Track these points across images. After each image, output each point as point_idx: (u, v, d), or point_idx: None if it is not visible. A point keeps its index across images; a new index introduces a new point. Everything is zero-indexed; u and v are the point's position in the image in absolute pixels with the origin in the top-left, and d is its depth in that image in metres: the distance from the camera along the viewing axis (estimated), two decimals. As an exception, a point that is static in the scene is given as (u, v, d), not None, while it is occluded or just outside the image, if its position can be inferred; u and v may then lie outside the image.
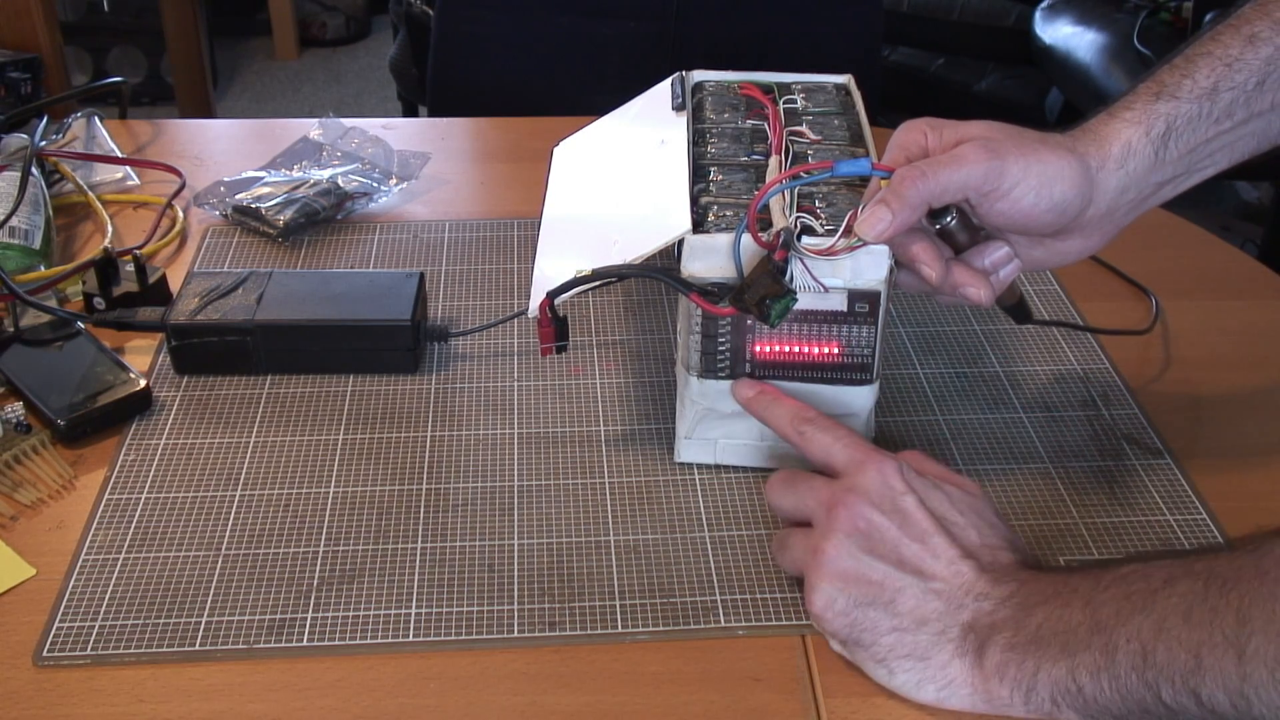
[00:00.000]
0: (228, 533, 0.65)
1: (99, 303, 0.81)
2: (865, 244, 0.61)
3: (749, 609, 0.61)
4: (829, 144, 0.71)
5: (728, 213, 0.65)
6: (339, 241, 0.92)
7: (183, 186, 0.98)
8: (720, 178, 0.68)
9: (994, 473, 0.71)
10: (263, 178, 0.98)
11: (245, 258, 0.90)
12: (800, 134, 0.72)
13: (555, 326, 0.69)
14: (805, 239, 0.62)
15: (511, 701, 0.57)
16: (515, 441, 0.73)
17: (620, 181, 0.75)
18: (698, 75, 0.79)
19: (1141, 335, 0.83)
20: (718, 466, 0.70)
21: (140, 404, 0.73)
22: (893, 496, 0.57)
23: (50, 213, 0.90)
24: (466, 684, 0.57)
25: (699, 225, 0.64)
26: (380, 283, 0.80)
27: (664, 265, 0.65)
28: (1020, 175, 0.61)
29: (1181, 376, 0.80)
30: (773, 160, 0.69)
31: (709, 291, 0.63)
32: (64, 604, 0.61)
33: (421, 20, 1.92)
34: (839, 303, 0.64)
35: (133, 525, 0.66)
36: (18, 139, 0.96)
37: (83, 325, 0.78)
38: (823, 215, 0.64)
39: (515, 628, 0.60)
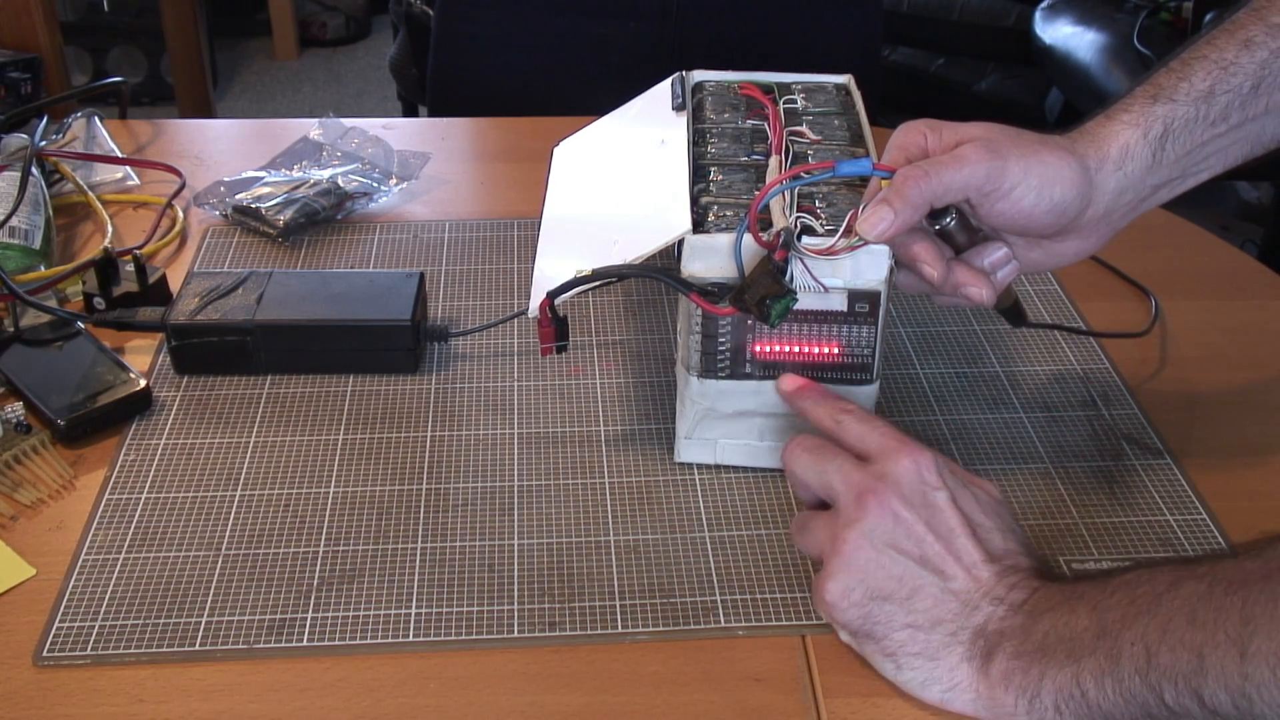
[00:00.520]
0: (228, 533, 0.65)
1: (99, 303, 0.81)
2: (865, 244, 0.61)
3: (749, 609, 0.61)
4: (829, 144, 0.71)
5: (728, 213, 0.65)
6: (339, 241, 0.92)
7: (183, 186, 0.98)
8: (720, 178, 0.68)
9: (994, 473, 0.71)
10: (263, 178, 0.98)
11: (245, 258, 0.90)
12: (800, 134, 0.72)
13: (555, 326, 0.69)
14: (805, 239, 0.62)
15: (511, 701, 0.57)
16: (515, 441, 0.73)
17: (620, 181, 0.75)
18: (698, 75, 0.79)
19: (1139, 337, 0.83)
20: (718, 466, 0.70)
21: (140, 404, 0.73)
22: (924, 490, 0.56)
23: (50, 213, 0.90)
24: (466, 684, 0.57)
25: (699, 225, 0.64)
26: (380, 283, 0.80)
27: (664, 265, 0.65)
28: (1021, 176, 0.61)
29: (1181, 376, 0.80)
30: (773, 160, 0.69)
31: (709, 291, 0.63)
32: (64, 604, 0.61)
33: (421, 20, 1.92)
34: (839, 303, 0.64)
35: (133, 525, 0.66)
36: (18, 139, 0.96)
37: (83, 325, 0.78)
38: (823, 215, 0.64)
39: (515, 628, 0.60)
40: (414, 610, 0.61)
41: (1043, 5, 2.30)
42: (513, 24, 1.20)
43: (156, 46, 3.01)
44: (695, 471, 0.70)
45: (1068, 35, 2.18)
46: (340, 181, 0.96)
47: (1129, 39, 2.06)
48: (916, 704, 0.56)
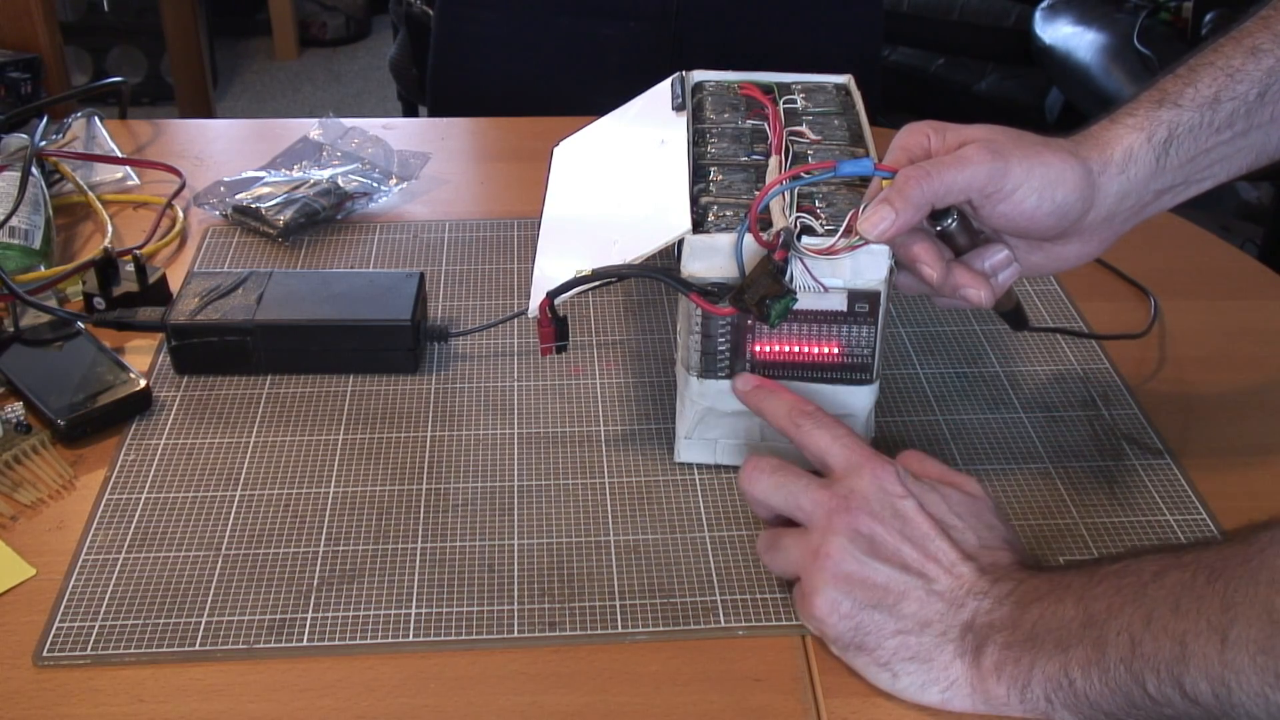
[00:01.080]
0: (228, 533, 0.65)
1: (99, 303, 0.81)
2: (866, 243, 0.61)
3: (749, 609, 0.61)
4: (829, 144, 0.71)
5: (728, 213, 0.65)
6: (339, 241, 0.92)
7: (183, 186, 0.98)
8: (720, 178, 0.68)
9: (994, 473, 0.71)
10: (263, 178, 0.98)
11: (245, 258, 0.90)
12: (800, 134, 0.72)
13: (555, 326, 0.69)
14: (805, 239, 0.62)
15: (511, 701, 0.57)
16: (515, 441, 0.73)
17: (620, 181, 0.75)
18: (698, 75, 0.79)
19: (1138, 339, 0.82)
20: (718, 466, 0.70)
21: (140, 404, 0.73)
22: (891, 501, 0.57)
23: (50, 213, 0.90)
24: (466, 684, 0.57)
25: (699, 225, 0.64)
26: (380, 283, 0.80)
27: (664, 265, 0.65)
28: (1023, 177, 0.61)
29: (1181, 376, 0.80)
30: (773, 160, 0.69)
31: (709, 291, 0.63)
32: (64, 604, 0.61)
33: (421, 20, 1.92)
34: (839, 303, 0.64)
35: (133, 525, 0.66)
36: (18, 139, 0.96)
37: (83, 325, 0.78)
38: (823, 215, 0.64)
39: (515, 628, 0.60)
40: (414, 610, 0.61)
41: (1043, 5, 2.30)
42: (513, 24, 1.20)
43: (156, 46, 3.01)
44: (695, 471, 0.70)
45: (1068, 35, 2.18)
46: (340, 181, 0.96)
47: (1129, 39, 2.06)
48: (917, 704, 0.56)
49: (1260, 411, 0.77)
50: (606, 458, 0.71)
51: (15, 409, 0.72)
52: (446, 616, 0.61)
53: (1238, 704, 0.47)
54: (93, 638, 0.59)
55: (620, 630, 0.60)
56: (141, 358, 0.78)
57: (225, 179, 0.98)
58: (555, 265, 0.69)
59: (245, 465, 0.70)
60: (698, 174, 0.69)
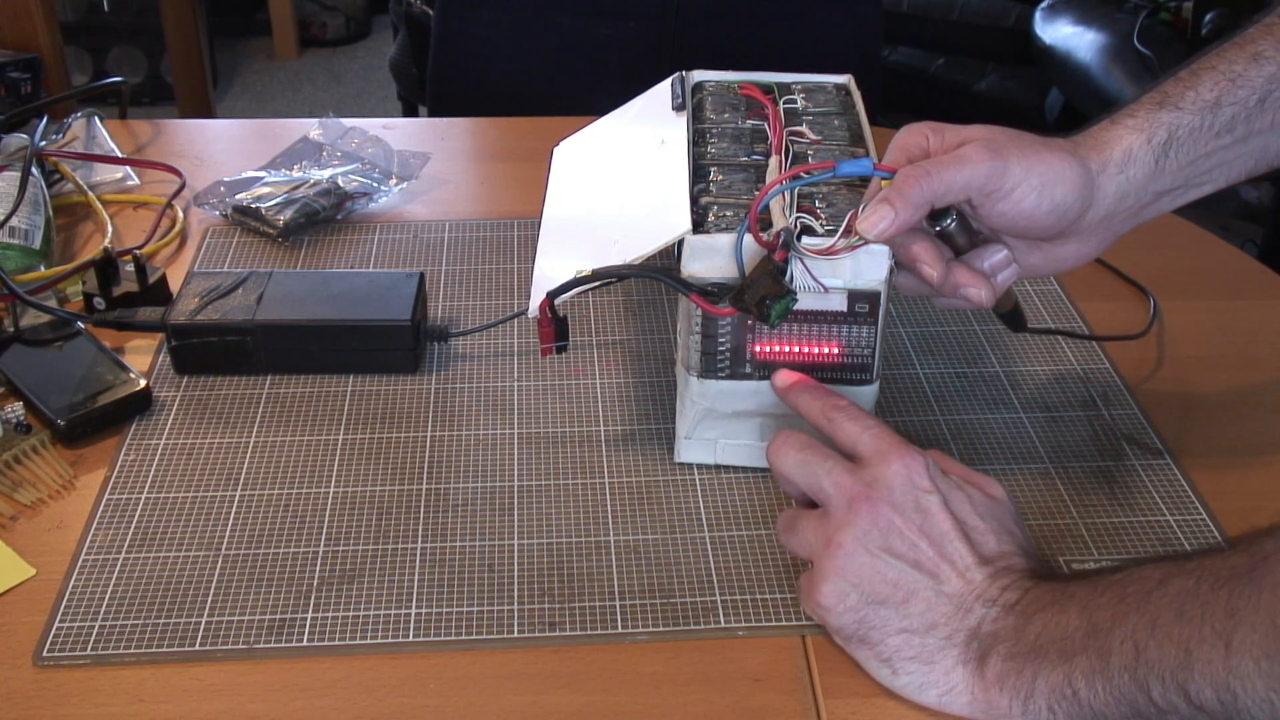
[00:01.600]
0: (228, 533, 0.65)
1: (99, 303, 0.81)
2: (866, 243, 0.61)
3: (749, 609, 0.61)
4: (829, 144, 0.71)
5: (728, 213, 0.65)
6: (339, 241, 0.92)
7: (183, 186, 0.98)
8: (720, 178, 0.68)
9: (994, 473, 0.70)
10: (263, 178, 0.98)
11: (245, 258, 0.90)
12: (800, 134, 0.72)
13: (555, 326, 0.69)
14: (805, 239, 0.62)
15: (511, 701, 0.57)
16: (515, 441, 0.73)
17: (620, 181, 0.75)
18: (698, 75, 0.79)
19: (1136, 339, 0.82)
20: (718, 466, 0.70)
21: (140, 404, 0.73)
22: (916, 495, 0.57)
23: (50, 213, 0.90)
24: (466, 684, 0.57)
25: (699, 225, 0.64)
26: (380, 283, 0.80)
27: (664, 265, 0.65)
28: (1022, 176, 0.61)
29: (1182, 377, 0.80)
30: (773, 160, 0.69)
31: (709, 291, 0.63)
32: (64, 604, 0.61)
33: (421, 20, 1.92)
34: (839, 303, 0.64)
35: (133, 525, 0.66)
36: (18, 139, 0.96)
37: (83, 325, 0.78)
38: (823, 215, 0.64)
39: (515, 628, 0.60)
40: (414, 610, 0.61)
41: (1043, 5, 2.30)
42: (513, 24, 1.20)
43: (156, 46, 3.01)
44: (695, 471, 0.70)
45: (1068, 35, 2.18)
46: (340, 181, 0.96)
47: (1129, 39, 2.06)
48: (916, 705, 0.56)
49: (1260, 411, 0.77)
50: (606, 458, 0.71)
51: (15, 409, 0.72)
52: (446, 616, 0.61)
53: (1243, 710, 0.47)
54: (93, 638, 0.59)
55: (620, 630, 0.60)
56: (141, 358, 0.79)
57: (225, 179, 0.98)
58: (555, 265, 0.69)
59: (245, 465, 0.70)
60: (698, 174, 0.69)
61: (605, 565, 0.64)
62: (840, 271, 0.63)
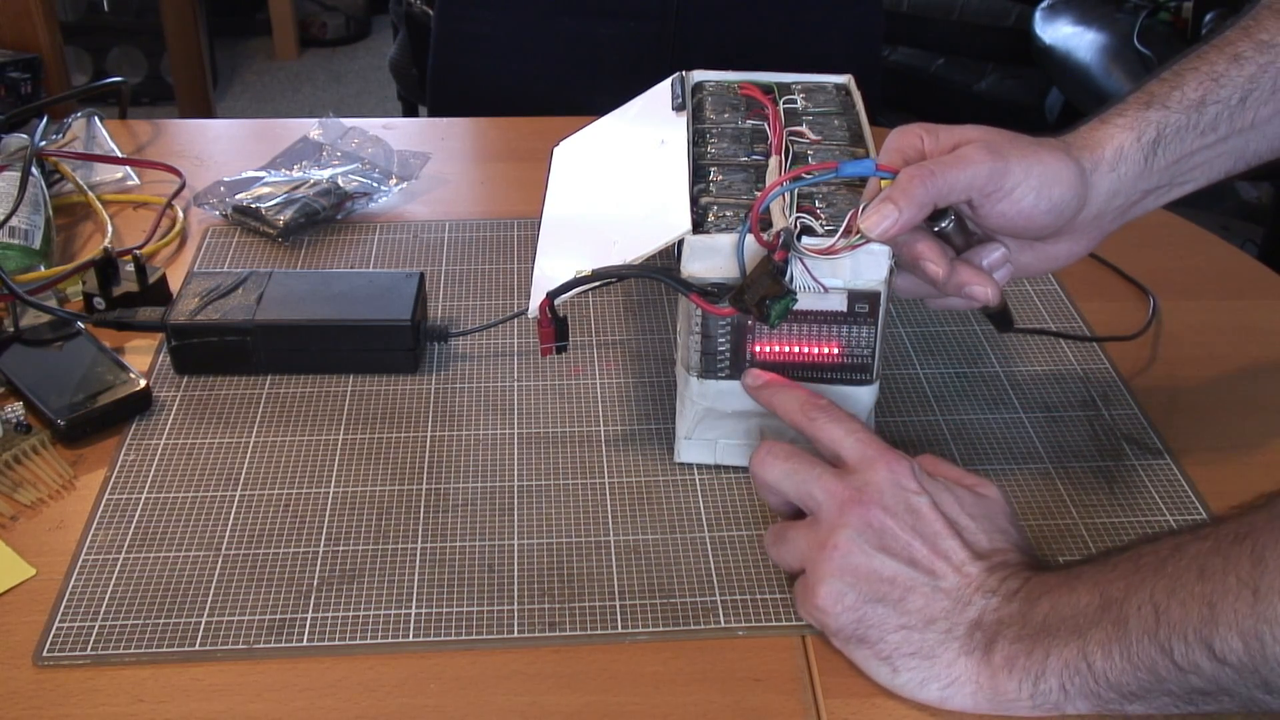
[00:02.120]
0: (228, 533, 0.65)
1: (99, 303, 0.81)
2: (866, 243, 0.61)
3: (749, 609, 0.61)
4: (829, 144, 0.71)
5: (728, 213, 0.65)
6: (339, 241, 0.92)
7: (183, 186, 0.98)
8: (720, 178, 0.68)
9: (994, 473, 0.71)
10: (263, 178, 0.98)
11: (245, 258, 0.90)
12: (800, 134, 0.72)
13: (555, 326, 0.69)
14: (805, 239, 0.62)
15: (511, 701, 0.57)
16: (515, 441, 0.73)
17: (620, 181, 0.75)
18: (698, 75, 0.79)
19: (1132, 340, 0.82)
20: (718, 466, 0.70)
21: (140, 404, 0.73)
22: (905, 497, 0.57)
23: (50, 213, 0.90)
24: (466, 684, 0.57)
25: (699, 225, 0.64)
26: (380, 283, 0.80)
27: (664, 265, 0.65)
28: (1022, 176, 0.61)
29: (1181, 376, 0.80)
30: (773, 160, 0.69)
31: (709, 291, 0.63)
32: (64, 604, 0.61)
33: (421, 20, 1.92)
34: (839, 303, 0.64)
35: (133, 525, 0.66)
36: (18, 139, 0.96)
37: (83, 325, 0.78)
38: (823, 215, 0.64)
39: (515, 628, 0.60)
40: (414, 610, 0.61)
41: (1043, 5, 2.30)
42: (513, 24, 1.20)
43: (156, 46, 3.01)
44: (695, 471, 0.70)
45: (1068, 35, 2.18)
46: (340, 181, 0.96)
47: (1129, 39, 2.06)
48: (916, 704, 0.56)
49: (1260, 411, 0.77)
50: (606, 458, 0.71)
51: (15, 409, 0.72)
52: (446, 616, 0.61)
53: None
54: (93, 638, 0.59)
55: (620, 630, 0.60)
56: (141, 358, 0.79)
57: (225, 179, 0.98)
58: (555, 265, 0.69)
59: (245, 465, 0.70)
60: (698, 174, 0.69)
61: (605, 565, 0.64)
62: (840, 271, 0.63)
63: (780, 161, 0.69)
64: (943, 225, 0.63)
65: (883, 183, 0.61)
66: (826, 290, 0.63)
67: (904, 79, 2.50)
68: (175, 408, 0.75)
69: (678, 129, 0.73)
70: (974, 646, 0.55)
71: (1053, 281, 0.88)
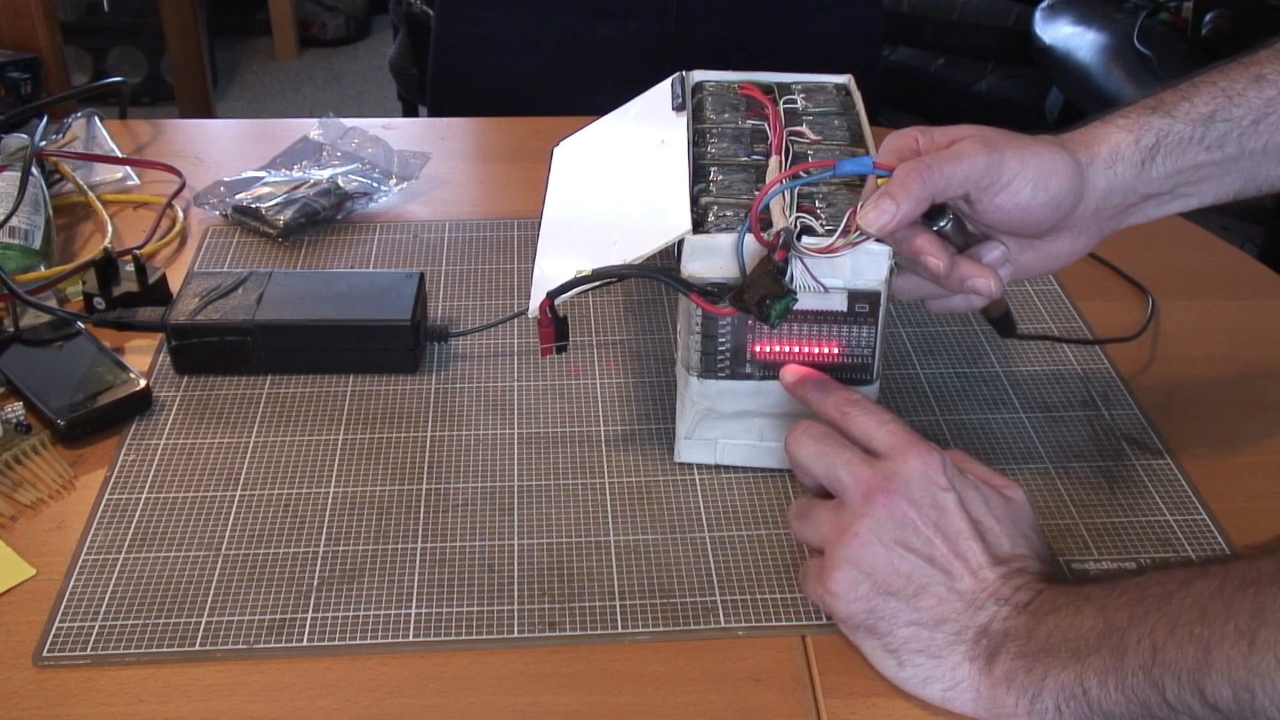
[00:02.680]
0: (228, 533, 0.65)
1: (99, 303, 0.81)
2: (866, 239, 0.61)
3: (749, 609, 0.61)
4: (829, 144, 0.71)
5: (728, 213, 0.65)
6: (339, 241, 0.92)
7: (183, 186, 0.98)
8: (720, 178, 0.68)
9: (994, 473, 0.71)
10: (263, 178, 0.98)
11: (245, 258, 0.90)
12: (800, 134, 0.72)
13: (555, 326, 0.69)
14: (805, 239, 0.62)
15: (511, 701, 0.57)
16: (515, 441, 0.73)
17: (620, 182, 0.75)
18: (698, 75, 0.79)
19: (1130, 341, 0.82)
20: (718, 466, 0.70)
21: (140, 404, 0.73)
22: (933, 491, 0.57)
23: (50, 213, 0.90)
24: (466, 684, 0.57)
25: (699, 225, 0.64)
26: (380, 283, 0.80)
27: (664, 265, 0.65)
28: (1018, 168, 0.61)
29: (1181, 376, 0.80)
30: (773, 160, 0.69)
31: (709, 291, 0.63)
32: (64, 604, 0.61)
33: (421, 20, 1.92)
34: (839, 303, 0.64)
35: (133, 525, 0.66)
36: (18, 139, 0.96)
37: (83, 325, 0.78)
38: (823, 215, 0.64)
39: (515, 628, 0.60)
40: (414, 610, 0.61)
41: (1043, 5, 2.30)
42: (513, 24, 1.20)
43: (156, 46, 3.00)
44: (695, 471, 0.70)
45: (1068, 35, 2.18)
46: (340, 181, 0.96)
47: (1129, 39, 2.06)
48: (916, 704, 0.56)
49: (1260, 411, 0.77)
50: (606, 458, 0.71)
51: (15, 409, 0.72)
52: (446, 616, 0.61)
53: (1260, 709, 0.47)
54: (93, 638, 0.59)
55: (620, 630, 0.60)
56: (141, 358, 0.79)
57: (225, 179, 0.98)
58: (555, 265, 0.69)
59: (245, 465, 0.70)
60: (698, 174, 0.69)
61: (605, 565, 0.64)
62: (840, 271, 0.63)
63: (780, 161, 0.69)
64: (941, 225, 0.63)
65: (880, 180, 0.61)
66: (827, 290, 0.63)
67: (904, 79, 2.50)
68: (175, 408, 0.75)
69: (678, 129, 0.73)
70: (978, 654, 0.55)
71: (1053, 282, 0.88)
